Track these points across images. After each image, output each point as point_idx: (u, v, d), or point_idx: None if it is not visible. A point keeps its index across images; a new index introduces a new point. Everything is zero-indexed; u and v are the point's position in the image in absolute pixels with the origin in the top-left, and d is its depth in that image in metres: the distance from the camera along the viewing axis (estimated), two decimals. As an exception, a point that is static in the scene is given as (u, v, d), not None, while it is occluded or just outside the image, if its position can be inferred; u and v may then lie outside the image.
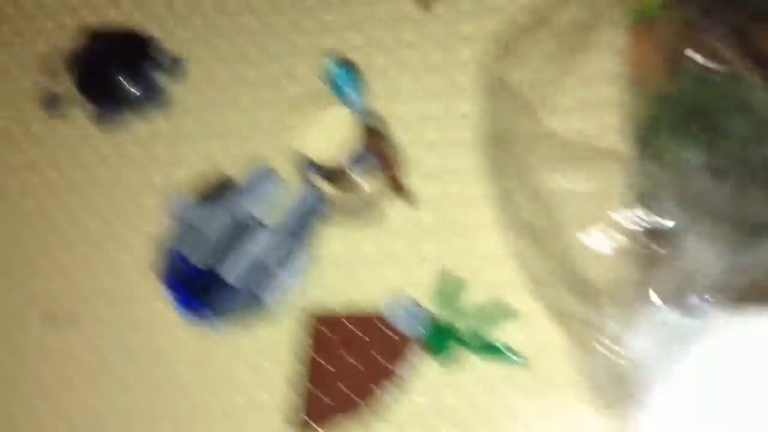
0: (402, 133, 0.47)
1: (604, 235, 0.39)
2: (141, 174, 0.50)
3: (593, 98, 0.44)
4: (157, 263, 0.42)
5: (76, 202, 0.50)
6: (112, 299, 0.48)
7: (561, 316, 0.38)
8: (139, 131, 0.51)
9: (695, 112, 0.38)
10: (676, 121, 0.38)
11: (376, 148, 0.41)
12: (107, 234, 0.49)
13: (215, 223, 0.42)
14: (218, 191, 0.44)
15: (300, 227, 0.44)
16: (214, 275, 0.40)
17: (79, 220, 0.50)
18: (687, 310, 0.37)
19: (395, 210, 0.46)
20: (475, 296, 0.43)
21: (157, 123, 0.51)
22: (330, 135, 0.41)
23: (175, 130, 0.50)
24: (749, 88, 0.36)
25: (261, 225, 0.42)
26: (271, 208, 0.45)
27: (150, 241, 0.47)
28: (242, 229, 0.42)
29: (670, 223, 0.37)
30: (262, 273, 0.40)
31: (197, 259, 0.41)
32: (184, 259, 0.41)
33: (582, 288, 0.37)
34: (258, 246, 0.41)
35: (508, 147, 0.41)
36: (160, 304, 0.46)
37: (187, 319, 0.41)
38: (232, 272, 0.40)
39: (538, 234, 0.39)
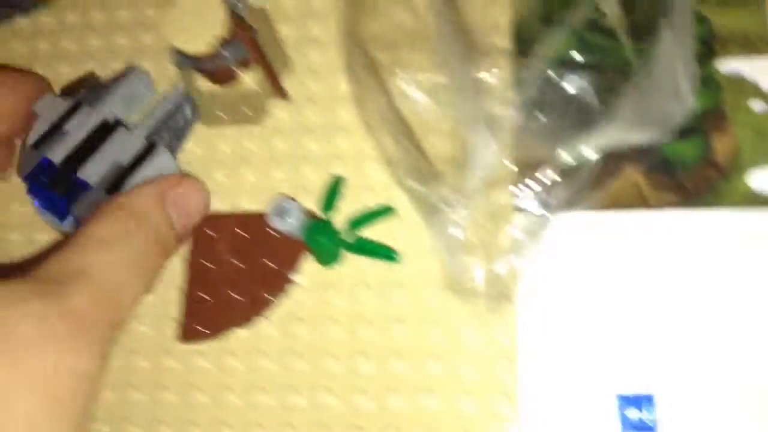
0: (287, 29, 0.46)
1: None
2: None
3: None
4: (20, 163, 0.41)
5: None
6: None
7: (424, 209, 0.38)
8: (23, 27, 0.49)
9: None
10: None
11: (247, 38, 0.40)
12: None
13: (78, 122, 0.40)
14: (86, 90, 0.43)
15: (169, 127, 0.43)
16: (76, 177, 0.39)
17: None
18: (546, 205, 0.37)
19: (279, 108, 0.45)
20: (355, 195, 0.42)
21: (41, 19, 0.49)
22: (198, 22, 0.39)
23: (58, 25, 0.49)
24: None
25: (126, 126, 0.41)
26: (139, 108, 0.43)
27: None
28: (106, 131, 0.40)
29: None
30: (125, 175, 0.39)
31: (58, 159, 0.39)
32: (46, 160, 0.39)
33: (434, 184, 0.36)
34: (121, 147, 0.40)
35: (377, 42, 0.39)
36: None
37: (47, 220, 0.40)
38: (93, 174, 0.39)
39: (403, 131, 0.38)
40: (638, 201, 0.38)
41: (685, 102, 0.31)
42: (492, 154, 0.32)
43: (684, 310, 0.37)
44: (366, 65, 0.37)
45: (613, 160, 0.37)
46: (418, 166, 0.35)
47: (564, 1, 0.37)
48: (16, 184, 0.43)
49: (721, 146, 0.38)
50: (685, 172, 0.38)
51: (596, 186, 0.37)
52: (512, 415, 0.38)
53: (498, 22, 0.41)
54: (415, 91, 0.36)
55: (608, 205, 0.38)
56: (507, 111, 0.34)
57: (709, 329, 0.37)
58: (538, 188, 0.36)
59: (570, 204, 0.37)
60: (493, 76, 0.38)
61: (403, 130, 0.36)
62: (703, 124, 0.38)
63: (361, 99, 0.38)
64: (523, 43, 0.40)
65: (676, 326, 0.37)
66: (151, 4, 0.48)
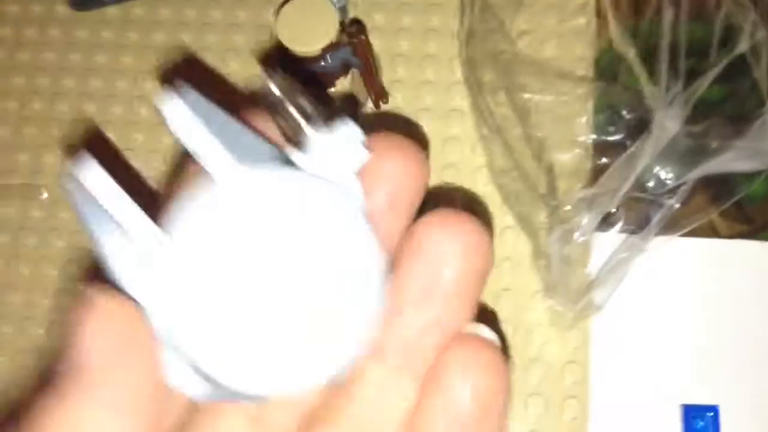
0: (377, 42, 0.48)
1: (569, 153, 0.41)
2: (113, 58, 0.50)
3: (563, 27, 0.46)
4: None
5: (44, 83, 0.50)
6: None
7: (524, 223, 0.40)
8: (113, 16, 0.51)
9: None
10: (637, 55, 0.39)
11: (359, 43, 0.42)
12: (76, 117, 0.49)
13: None
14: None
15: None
16: None
17: (48, 102, 0.49)
18: (637, 227, 0.40)
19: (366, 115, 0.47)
20: (438, 205, 0.45)
21: (133, 10, 0.50)
22: (312, 25, 0.42)
23: (150, 16, 0.50)
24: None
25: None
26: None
27: (120, 125, 0.48)
28: None
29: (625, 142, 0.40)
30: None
31: None
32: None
33: (544, 198, 0.39)
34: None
35: (485, 65, 0.42)
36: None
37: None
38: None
39: (509, 147, 0.40)
40: (709, 230, 0.42)
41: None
42: (625, 175, 0.35)
43: (748, 329, 0.41)
44: (482, 83, 0.40)
45: (689, 191, 0.41)
46: (527, 177, 0.38)
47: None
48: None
49: (787, 185, 0.42)
50: (753, 206, 0.42)
51: (675, 213, 0.41)
52: (582, 420, 0.41)
53: (584, 55, 0.45)
54: (523, 108, 0.39)
55: (682, 232, 0.42)
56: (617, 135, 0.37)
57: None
58: (626, 211, 0.40)
59: (653, 229, 0.40)
60: (577, 101, 0.42)
61: (516, 144, 0.38)
62: (773, 163, 0.42)
63: (477, 112, 0.40)
64: (605, 73, 0.43)
65: (741, 343, 0.41)
66: (244, 7, 0.50)
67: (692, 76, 0.35)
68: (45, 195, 0.48)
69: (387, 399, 0.18)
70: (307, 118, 0.18)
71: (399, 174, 0.19)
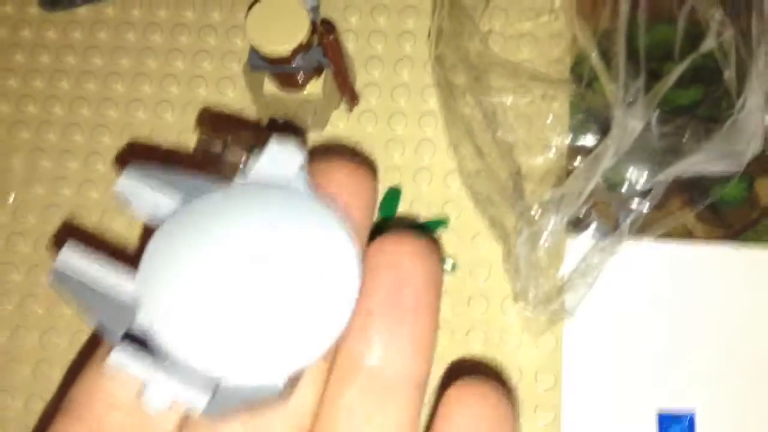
0: (352, 44, 0.48)
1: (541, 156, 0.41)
2: (83, 60, 0.49)
3: (539, 29, 0.46)
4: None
5: (13, 84, 0.49)
6: (42, 180, 0.47)
7: (495, 227, 0.40)
8: (84, 16, 0.50)
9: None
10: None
11: (330, 44, 0.41)
12: (45, 119, 0.48)
13: None
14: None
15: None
16: None
17: (17, 104, 0.49)
18: (609, 231, 0.39)
19: (338, 118, 0.47)
20: (411, 207, 0.44)
21: (104, 10, 0.50)
22: (283, 27, 0.41)
23: (121, 17, 0.50)
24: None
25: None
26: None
27: (89, 127, 0.48)
28: None
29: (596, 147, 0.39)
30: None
31: None
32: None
33: (513, 201, 0.39)
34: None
35: (456, 66, 0.41)
36: (91, 190, 0.46)
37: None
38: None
39: (479, 150, 0.40)
40: (684, 233, 0.41)
41: (757, 144, 0.34)
42: (589, 174, 0.34)
43: (724, 333, 0.40)
44: (454, 85, 0.39)
45: (662, 194, 0.40)
46: (497, 180, 0.37)
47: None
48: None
49: (763, 189, 0.41)
50: (729, 210, 0.41)
51: (648, 216, 0.40)
52: (554, 426, 0.40)
53: (561, 58, 0.45)
54: (494, 111, 0.38)
55: (656, 235, 0.41)
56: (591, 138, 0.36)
57: (746, 352, 0.40)
58: (598, 214, 0.39)
59: (624, 232, 0.39)
60: (551, 104, 0.41)
61: (486, 147, 0.38)
62: (749, 167, 0.41)
63: (448, 115, 0.40)
64: (581, 76, 0.43)
65: (716, 349, 0.40)
66: (217, 8, 0.49)
67: (659, 75, 0.35)
68: (12, 199, 0.47)
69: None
70: (247, 153, 0.20)
71: (348, 193, 0.20)
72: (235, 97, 0.48)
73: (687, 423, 0.39)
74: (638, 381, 0.40)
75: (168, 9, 0.49)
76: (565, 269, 0.39)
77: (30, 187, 0.47)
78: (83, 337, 0.44)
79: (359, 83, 0.47)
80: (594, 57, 0.35)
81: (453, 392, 0.19)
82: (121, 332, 0.18)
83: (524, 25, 0.45)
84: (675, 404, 0.39)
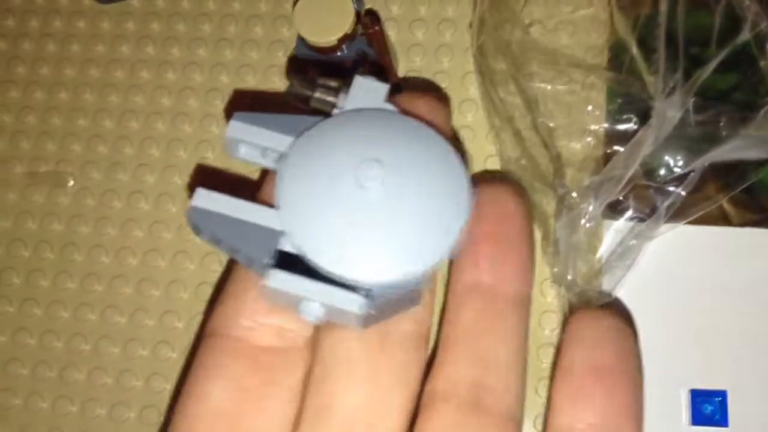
0: (393, 33, 0.49)
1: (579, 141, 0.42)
2: (136, 49, 0.51)
3: (576, 16, 0.47)
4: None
5: (71, 73, 0.51)
6: (100, 166, 0.49)
7: (534, 212, 0.41)
8: (136, 8, 0.52)
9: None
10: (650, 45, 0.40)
11: (375, 33, 0.43)
12: (102, 107, 0.51)
13: None
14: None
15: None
16: None
17: (74, 93, 0.51)
18: (646, 215, 0.41)
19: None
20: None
21: (155, 1, 0.52)
22: (330, 16, 0.42)
23: (172, 8, 0.51)
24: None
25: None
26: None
27: (143, 115, 0.50)
28: None
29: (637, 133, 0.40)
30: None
31: None
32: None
33: (553, 185, 0.40)
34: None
35: (496, 54, 0.43)
36: (146, 174, 0.49)
37: None
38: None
39: (519, 136, 0.41)
40: (719, 217, 0.42)
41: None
42: (629, 161, 0.35)
43: (757, 316, 0.41)
44: (495, 73, 0.40)
45: (698, 179, 0.41)
46: (537, 166, 0.39)
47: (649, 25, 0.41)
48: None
49: (799, 173, 0.42)
50: (764, 194, 0.42)
51: (684, 200, 0.41)
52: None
53: (598, 44, 0.46)
54: (535, 97, 0.39)
55: (691, 219, 0.42)
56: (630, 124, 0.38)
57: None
58: (635, 199, 0.40)
59: (661, 216, 0.40)
60: (589, 90, 0.42)
61: (527, 133, 0.39)
62: (785, 151, 0.42)
63: (489, 103, 0.41)
64: (617, 62, 0.44)
65: (750, 330, 0.41)
66: (263, -2, 0.51)
67: (695, 64, 0.36)
68: (71, 183, 0.49)
69: None
70: (335, 92, 0.22)
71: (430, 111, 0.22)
72: (282, 85, 0.49)
73: (719, 401, 0.40)
74: (671, 361, 0.41)
75: (216, 0, 0.51)
76: (603, 252, 0.40)
77: (89, 173, 0.49)
78: (142, 315, 0.47)
79: (401, 70, 0.48)
80: (634, 47, 0.37)
81: (577, 317, 0.22)
82: (269, 256, 0.20)
83: (563, 13, 0.46)
84: (707, 385, 0.41)
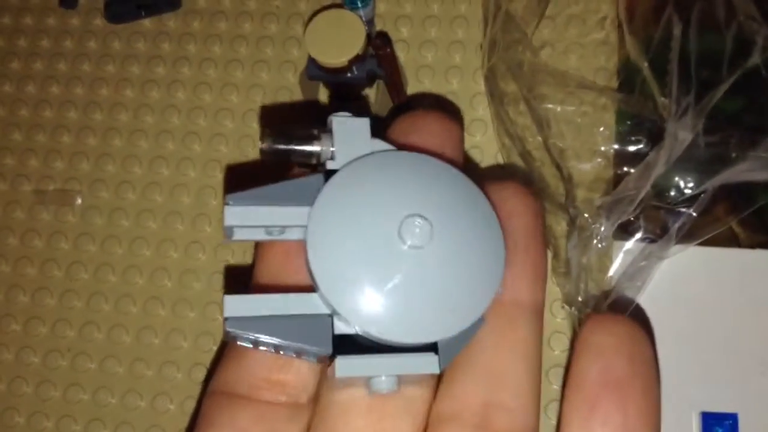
0: (403, 54, 0.49)
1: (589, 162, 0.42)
2: (146, 69, 0.51)
3: (585, 39, 0.47)
4: None
5: (80, 92, 0.52)
6: (108, 185, 0.49)
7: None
8: (147, 28, 0.52)
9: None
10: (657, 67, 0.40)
11: (386, 54, 0.43)
12: (110, 125, 0.51)
13: None
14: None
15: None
16: None
17: (84, 111, 0.51)
18: (657, 236, 0.41)
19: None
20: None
21: (167, 22, 0.52)
22: (341, 37, 0.43)
23: (182, 28, 0.52)
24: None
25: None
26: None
27: (152, 134, 0.50)
28: None
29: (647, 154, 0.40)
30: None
31: None
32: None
33: (563, 206, 0.40)
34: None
35: (507, 75, 0.43)
36: (155, 194, 0.49)
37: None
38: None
39: (529, 157, 0.41)
40: (729, 239, 0.42)
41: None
42: (641, 182, 0.35)
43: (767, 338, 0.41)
44: (505, 94, 0.40)
45: (708, 201, 0.41)
46: (547, 186, 0.39)
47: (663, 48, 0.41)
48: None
49: (808, 195, 0.42)
50: (774, 216, 0.42)
51: (694, 222, 0.41)
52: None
53: (607, 66, 0.46)
54: (547, 119, 0.40)
55: (701, 241, 0.42)
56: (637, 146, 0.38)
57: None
58: (645, 220, 0.40)
59: (671, 237, 0.40)
60: (599, 111, 0.42)
61: (537, 154, 0.39)
62: (794, 174, 0.42)
63: (499, 123, 0.41)
64: (627, 83, 0.44)
65: (761, 352, 0.41)
66: (274, 20, 0.51)
67: (707, 87, 0.36)
68: (79, 201, 0.49)
69: None
70: (316, 140, 0.20)
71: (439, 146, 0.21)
72: (292, 106, 0.50)
73: (730, 424, 0.40)
74: (682, 383, 0.41)
75: (227, 21, 0.52)
76: (614, 274, 0.40)
77: (96, 191, 0.49)
78: (149, 335, 0.46)
79: (410, 91, 0.48)
80: (646, 70, 0.37)
81: (590, 323, 0.20)
82: (328, 343, 0.19)
83: (573, 36, 0.46)
84: (718, 408, 0.40)
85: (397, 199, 0.19)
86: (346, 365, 0.18)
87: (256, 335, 0.18)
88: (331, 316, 0.19)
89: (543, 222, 0.21)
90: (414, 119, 0.21)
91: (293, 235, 0.20)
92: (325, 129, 0.20)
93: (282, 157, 0.21)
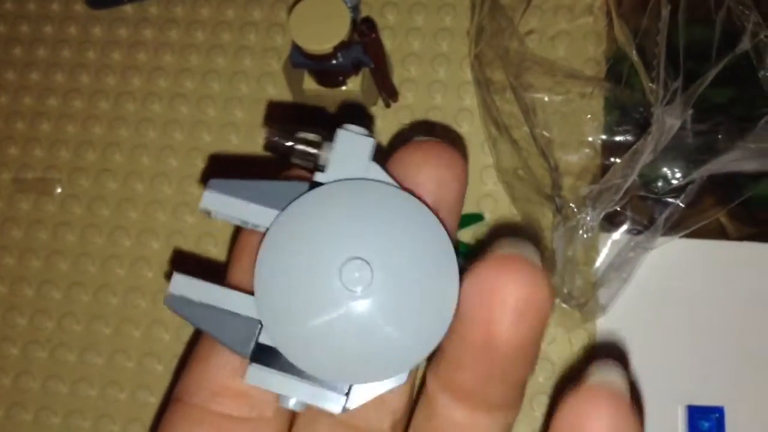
0: (389, 41, 0.49)
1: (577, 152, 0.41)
2: (128, 56, 0.51)
3: (574, 27, 0.46)
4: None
5: (60, 79, 0.51)
6: (88, 173, 0.49)
7: (530, 223, 0.40)
8: (128, 14, 0.51)
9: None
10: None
11: (372, 41, 0.42)
12: (90, 113, 0.50)
13: None
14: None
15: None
16: None
17: (64, 99, 0.50)
18: (643, 227, 0.40)
19: (376, 114, 0.48)
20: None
21: (149, 9, 0.51)
22: (325, 25, 0.42)
23: (164, 14, 0.51)
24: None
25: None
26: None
27: (132, 122, 0.49)
28: None
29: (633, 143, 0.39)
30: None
31: None
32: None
33: (550, 196, 0.39)
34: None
35: (494, 63, 0.42)
36: (136, 182, 0.48)
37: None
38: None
39: (516, 146, 0.41)
40: (716, 231, 0.42)
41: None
42: (627, 173, 0.35)
43: (754, 331, 0.41)
44: (492, 82, 0.40)
45: (696, 191, 0.41)
46: (534, 176, 0.38)
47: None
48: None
49: (797, 187, 0.41)
50: (762, 208, 0.42)
51: (681, 213, 0.40)
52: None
53: (595, 56, 0.45)
54: (533, 107, 0.39)
55: (688, 233, 0.41)
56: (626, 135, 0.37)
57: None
58: (632, 210, 0.40)
59: (658, 229, 0.40)
60: (587, 101, 0.42)
61: (524, 144, 0.39)
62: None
63: (486, 111, 0.41)
64: (615, 73, 0.43)
65: (747, 345, 0.40)
66: (258, 6, 0.50)
67: (695, 75, 0.36)
68: (59, 190, 0.48)
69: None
70: (317, 146, 0.20)
71: (439, 180, 0.20)
72: (276, 94, 0.49)
73: (716, 418, 0.40)
74: (667, 377, 0.41)
75: (210, 7, 0.51)
76: (600, 265, 0.40)
77: (76, 180, 0.48)
78: (128, 326, 0.46)
79: (396, 80, 0.48)
80: (634, 56, 0.36)
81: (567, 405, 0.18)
82: (249, 347, 0.19)
83: (560, 25, 0.46)
84: (704, 401, 0.40)
85: (346, 238, 0.19)
86: (257, 375, 0.19)
87: (191, 317, 0.19)
88: (260, 323, 0.19)
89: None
90: (418, 149, 0.20)
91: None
92: (331, 137, 0.20)
93: (283, 153, 0.21)
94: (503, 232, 0.44)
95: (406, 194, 0.19)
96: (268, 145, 0.21)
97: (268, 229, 0.19)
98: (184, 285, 0.19)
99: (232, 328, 0.19)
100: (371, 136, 0.20)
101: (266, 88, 0.49)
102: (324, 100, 0.47)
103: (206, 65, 0.50)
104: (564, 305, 0.39)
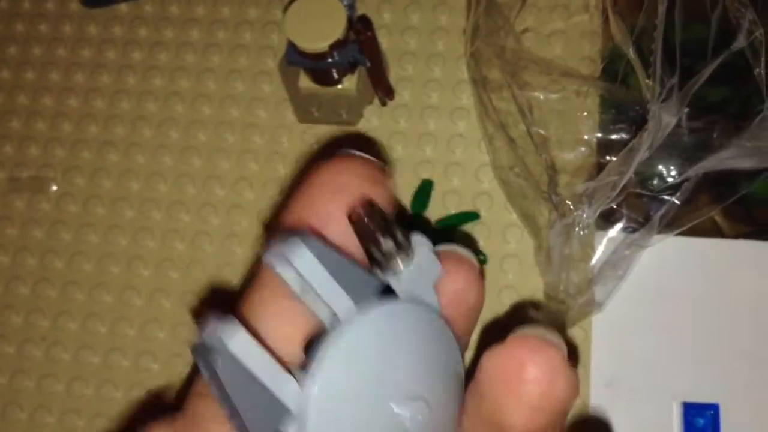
0: (385, 40, 0.49)
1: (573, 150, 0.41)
2: (123, 54, 0.50)
3: (569, 25, 0.47)
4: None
5: (55, 78, 0.51)
6: (84, 172, 0.48)
7: (527, 221, 0.41)
8: (123, 12, 0.51)
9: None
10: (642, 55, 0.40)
11: (368, 40, 0.42)
12: (86, 111, 0.50)
13: None
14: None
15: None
16: None
17: (59, 97, 0.50)
18: (639, 224, 0.40)
19: (372, 112, 0.47)
20: (443, 201, 0.45)
21: (143, 7, 0.51)
22: (321, 23, 0.42)
23: (159, 13, 0.51)
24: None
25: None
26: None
27: (128, 121, 0.49)
28: None
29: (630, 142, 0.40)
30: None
31: None
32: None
33: (546, 194, 0.39)
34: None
35: (490, 62, 0.42)
36: (131, 181, 0.48)
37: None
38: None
39: (512, 144, 0.41)
40: (712, 229, 0.42)
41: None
42: (623, 170, 0.35)
43: (749, 328, 0.41)
44: (489, 80, 0.40)
45: (692, 189, 0.41)
46: (531, 174, 0.38)
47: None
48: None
49: (792, 186, 0.42)
50: (758, 207, 0.42)
51: (677, 211, 0.41)
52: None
53: (591, 55, 0.45)
54: (529, 106, 0.39)
55: (683, 231, 0.42)
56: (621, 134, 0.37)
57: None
58: (628, 208, 0.40)
59: (654, 226, 0.40)
60: (582, 99, 0.42)
61: (521, 141, 0.39)
62: (778, 164, 0.42)
63: (482, 109, 0.41)
64: (611, 71, 0.44)
65: (742, 342, 0.41)
66: (253, 4, 0.50)
67: (691, 73, 0.36)
68: (54, 188, 0.48)
69: None
70: (398, 245, 0.19)
71: (461, 290, 0.21)
72: (271, 92, 0.49)
73: (712, 415, 0.40)
74: (662, 373, 0.41)
75: (205, 6, 0.51)
76: (596, 262, 0.40)
77: (72, 178, 0.48)
78: (124, 325, 0.46)
79: (392, 78, 0.48)
80: (631, 53, 0.36)
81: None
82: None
83: (556, 23, 0.46)
84: (699, 398, 0.40)
85: (406, 371, 0.19)
86: None
87: (220, 374, 0.17)
88: (290, 413, 0.17)
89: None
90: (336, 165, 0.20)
91: (317, 310, 0.18)
92: (409, 243, 0.19)
93: (362, 234, 0.20)
94: (498, 230, 0.44)
95: (446, 325, 0.20)
96: (354, 219, 0.19)
97: (335, 326, 0.18)
98: (244, 344, 0.17)
99: (260, 406, 0.17)
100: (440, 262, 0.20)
101: (262, 86, 0.49)
102: (320, 99, 0.47)
103: (201, 63, 0.50)
104: (560, 303, 0.40)
